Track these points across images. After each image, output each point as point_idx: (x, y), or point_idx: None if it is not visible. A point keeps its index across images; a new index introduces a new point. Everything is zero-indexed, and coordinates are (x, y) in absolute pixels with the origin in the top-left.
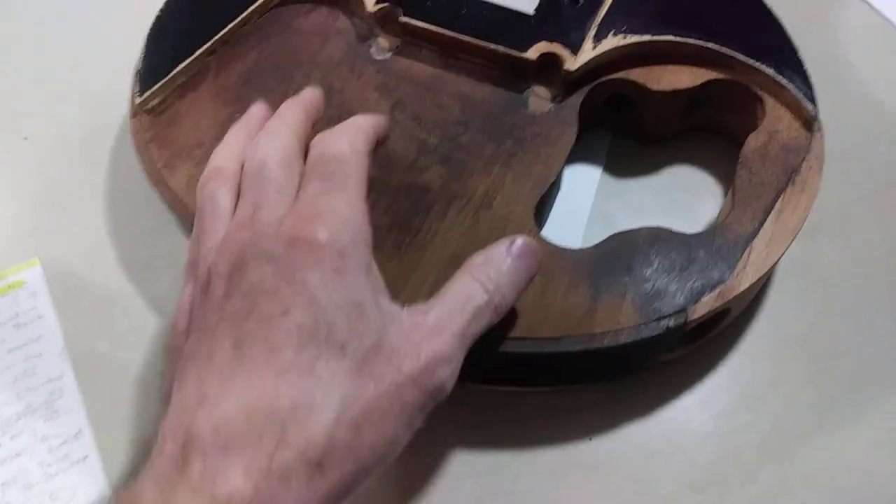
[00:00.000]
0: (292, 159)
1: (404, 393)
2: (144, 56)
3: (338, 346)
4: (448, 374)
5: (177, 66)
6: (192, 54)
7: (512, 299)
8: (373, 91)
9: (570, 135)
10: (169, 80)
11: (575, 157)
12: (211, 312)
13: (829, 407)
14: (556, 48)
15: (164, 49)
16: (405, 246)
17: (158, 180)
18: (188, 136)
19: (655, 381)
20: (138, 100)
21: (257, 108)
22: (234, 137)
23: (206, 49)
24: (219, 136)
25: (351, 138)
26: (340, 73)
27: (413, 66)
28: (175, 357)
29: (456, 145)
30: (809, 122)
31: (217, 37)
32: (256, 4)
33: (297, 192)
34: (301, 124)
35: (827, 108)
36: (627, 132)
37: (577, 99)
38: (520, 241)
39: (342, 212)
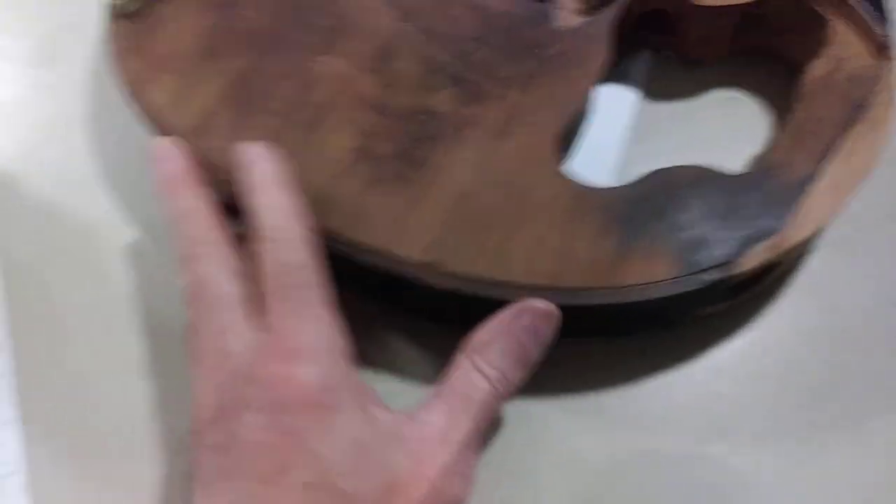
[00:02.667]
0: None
1: None
2: None
3: (346, 497)
4: (462, 485)
5: None
6: None
7: (520, 381)
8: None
9: (601, 54)
10: None
11: (610, 78)
12: (207, 463)
13: (867, 381)
14: None
15: None
16: (411, 178)
17: (137, 93)
18: (169, 45)
19: (689, 337)
20: (118, 2)
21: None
22: (184, 201)
23: None
24: (201, 47)
25: (302, 231)
26: None
27: None
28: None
29: (469, 64)
30: (881, 50)
31: None
32: None
33: (259, 305)
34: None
35: None
36: (669, 54)
37: (609, 14)
38: (527, 316)
39: (317, 336)
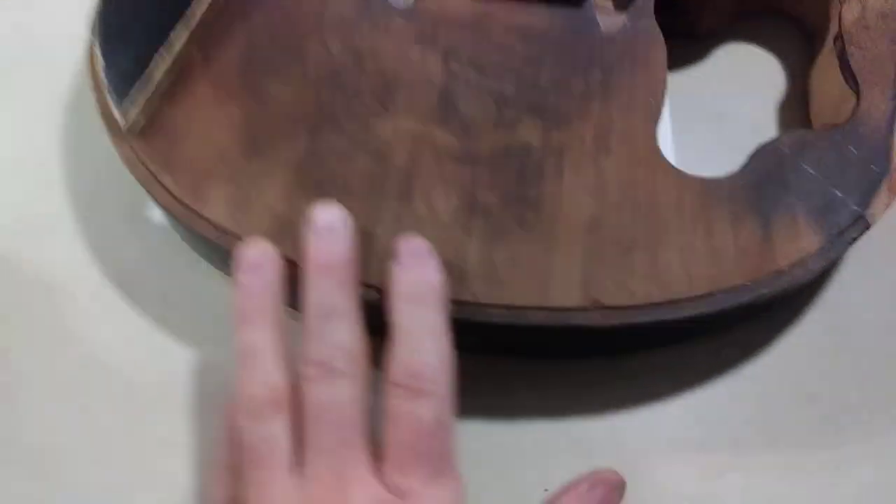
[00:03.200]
0: (363, 391)
1: None
2: (106, 63)
3: None
4: None
5: (153, 68)
6: (167, 49)
7: None
8: (413, 44)
9: (660, 46)
10: (151, 88)
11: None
12: None
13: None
14: None
15: (126, 49)
16: (531, 223)
17: (189, 215)
18: (204, 152)
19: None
20: (123, 121)
21: (253, 275)
22: (256, 335)
23: (183, 37)
24: (242, 143)
25: (449, 380)
26: (363, 32)
27: (446, 6)
28: None
29: (538, 89)
30: None
31: (190, 20)
32: None
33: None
34: (351, 293)
35: None
36: (677, 37)
37: (647, 3)
38: (600, 490)
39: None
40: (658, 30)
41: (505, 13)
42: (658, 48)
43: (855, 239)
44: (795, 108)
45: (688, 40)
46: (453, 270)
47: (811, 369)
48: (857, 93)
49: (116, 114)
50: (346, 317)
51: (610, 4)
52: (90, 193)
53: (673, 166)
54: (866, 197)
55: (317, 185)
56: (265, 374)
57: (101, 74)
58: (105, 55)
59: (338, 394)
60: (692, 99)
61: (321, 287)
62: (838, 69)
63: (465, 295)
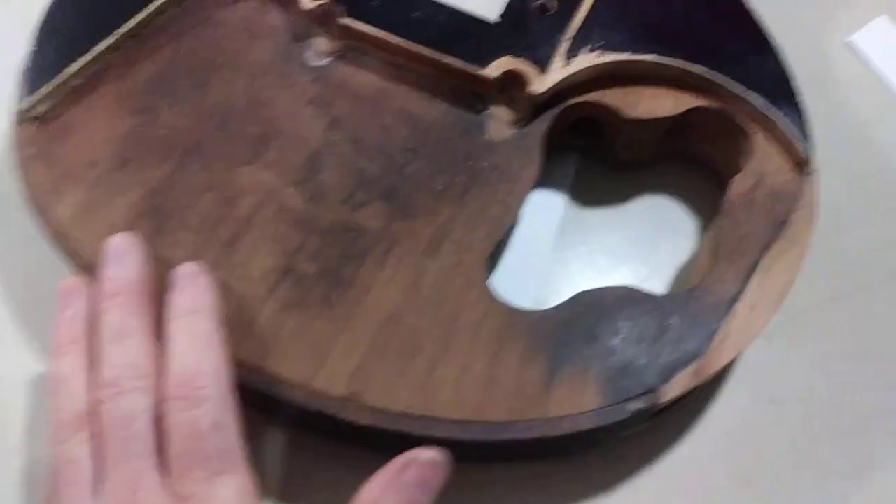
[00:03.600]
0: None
1: None
2: (33, 52)
3: None
4: None
5: (71, 64)
6: (91, 50)
7: None
8: (306, 105)
9: (533, 169)
10: (61, 81)
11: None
12: None
13: None
14: (521, 65)
15: (58, 43)
16: (335, 301)
17: (41, 207)
18: (80, 153)
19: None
20: (24, 104)
21: (73, 306)
22: (65, 362)
23: (110, 44)
24: (115, 155)
25: (225, 384)
26: (269, 80)
27: (355, 76)
28: None
29: (402, 177)
30: (801, 164)
31: (123, 29)
32: None
33: (169, 460)
34: (148, 321)
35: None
36: (596, 157)
37: (542, 125)
38: (414, 469)
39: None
40: (539, 152)
41: (405, 97)
42: (530, 171)
43: (641, 411)
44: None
45: (608, 169)
46: (241, 327)
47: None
48: (712, 264)
49: (20, 101)
50: (135, 337)
51: (507, 117)
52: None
53: (489, 287)
54: (667, 374)
55: (158, 212)
56: (71, 399)
57: (25, 67)
58: (34, 54)
59: (126, 409)
60: (598, 228)
61: (111, 311)
62: None
63: (240, 354)
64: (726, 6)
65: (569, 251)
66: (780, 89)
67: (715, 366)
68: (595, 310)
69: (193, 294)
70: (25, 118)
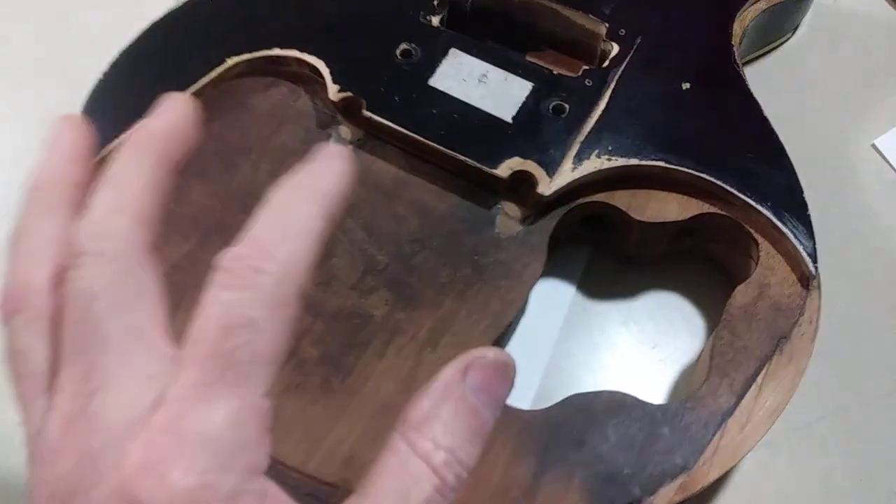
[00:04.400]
0: (136, 283)
1: None
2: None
3: None
4: None
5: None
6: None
7: (474, 462)
8: None
9: (536, 268)
10: (102, 156)
11: (547, 271)
12: None
13: None
14: (531, 167)
15: (104, 121)
16: (334, 387)
17: None
18: None
19: None
20: None
21: (68, 139)
22: (38, 222)
23: None
24: None
25: (289, 273)
26: (293, 165)
27: (374, 165)
28: None
29: (408, 267)
30: (806, 280)
31: None
32: (214, 74)
33: (159, 364)
34: (152, 192)
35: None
36: (608, 250)
37: (549, 223)
38: (477, 373)
39: (226, 438)
40: (544, 251)
41: (419, 189)
42: (533, 267)
43: None
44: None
45: (616, 266)
46: None
47: None
48: (706, 377)
49: None
50: (140, 191)
51: (516, 214)
52: None
53: None
54: (653, 485)
55: (177, 289)
56: (28, 261)
57: None
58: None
59: (90, 283)
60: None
61: (124, 153)
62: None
63: None
64: (739, 114)
65: (573, 342)
66: (790, 202)
67: (701, 482)
68: (586, 414)
69: (326, 172)
70: None
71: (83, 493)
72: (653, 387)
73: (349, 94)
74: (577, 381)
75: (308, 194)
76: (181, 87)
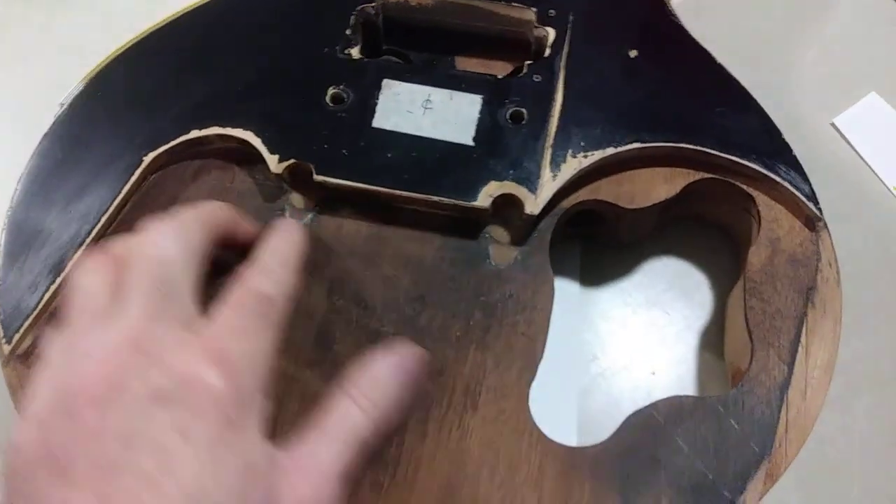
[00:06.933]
0: (195, 265)
1: None
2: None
3: None
4: None
5: (45, 291)
6: (60, 270)
7: (392, 419)
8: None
9: (548, 290)
10: (38, 313)
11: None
12: (73, 446)
13: None
14: (511, 188)
15: (24, 275)
16: (385, 487)
17: None
18: None
19: None
20: (6, 348)
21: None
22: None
23: (72, 260)
24: None
25: (284, 275)
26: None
27: (342, 228)
28: (13, 484)
29: (416, 331)
30: (812, 223)
31: (88, 239)
32: (130, 182)
33: (199, 315)
34: (213, 227)
35: None
36: (599, 240)
37: (543, 238)
38: (397, 353)
39: (253, 360)
40: (549, 268)
41: (397, 241)
42: (545, 289)
43: None
44: (713, 332)
45: (612, 249)
46: None
47: None
48: (752, 352)
49: (2, 344)
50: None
51: (506, 238)
52: None
53: (538, 429)
54: (740, 483)
55: None
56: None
57: None
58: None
59: (160, 251)
60: (611, 305)
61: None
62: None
63: None
64: (694, 67)
65: (590, 332)
66: (772, 147)
67: (784, 463)
68: (651, 430)
69: (287, 239)
70: (13, 359)
71: (141, 370)
72: (681, 359)
73: (292, 161)
74: (613, 388)
75: (288, 256)
76: (100, 209)
